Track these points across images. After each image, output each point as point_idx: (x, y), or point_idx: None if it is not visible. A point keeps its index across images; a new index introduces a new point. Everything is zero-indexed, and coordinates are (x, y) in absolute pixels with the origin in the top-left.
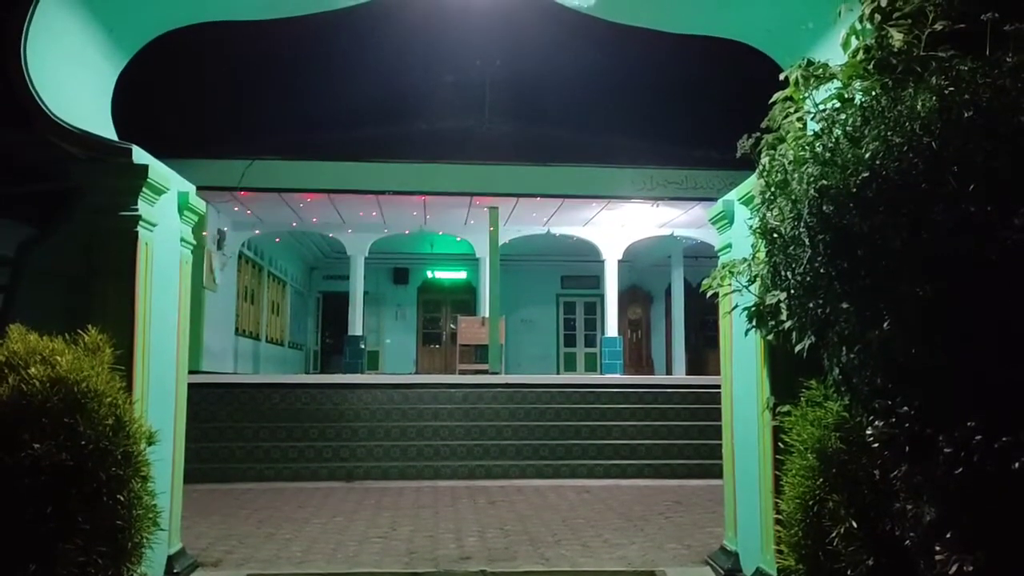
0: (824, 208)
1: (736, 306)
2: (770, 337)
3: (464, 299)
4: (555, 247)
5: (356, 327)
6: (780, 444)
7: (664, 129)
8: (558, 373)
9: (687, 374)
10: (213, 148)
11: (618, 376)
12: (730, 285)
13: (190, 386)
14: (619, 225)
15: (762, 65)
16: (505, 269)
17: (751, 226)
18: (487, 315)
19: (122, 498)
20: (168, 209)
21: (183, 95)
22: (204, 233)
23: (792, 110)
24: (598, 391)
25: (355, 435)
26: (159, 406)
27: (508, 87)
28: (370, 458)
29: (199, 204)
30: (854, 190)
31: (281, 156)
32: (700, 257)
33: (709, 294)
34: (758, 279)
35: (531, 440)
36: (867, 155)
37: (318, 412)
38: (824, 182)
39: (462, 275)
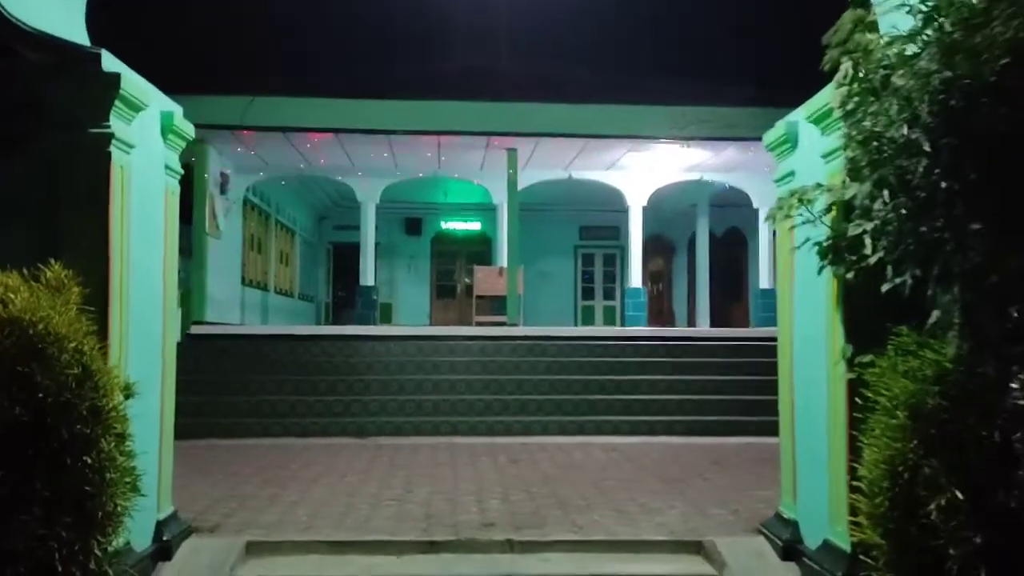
0: (952, 103)
1: (808, 239)
2: (850, 275)
3: (479, 251)
4: (575, 196)
5: (368, 277)
6: (858, 400)
7: (696, 64)
8: (576, 327)
9: (711, 327)
10: (212, 83)
11: (643, 328)
12: (797, 216)
13: (192, 336)
14: (646, 168)
15: None
16: (522, 220)
17: (848, 135)
18: (505, 265)
19: (90, 460)
20: (149, 131)
21: (178, 23)
22: (206, 175)
23: (865, 19)
24: (622, 344)
25: (367, 389)
26: (142, 354)
27: (528, 18)
28: (383, 413)
29: (186, 127)
30: (992, 79)
31: (286, 93)
32: (727, 206)
33: (771, 227)
34: (834, 207)
35: (553, 395)
36: (1008, 35)
37: (328, 365)
38: (949, 72)
39: (476, 226)
